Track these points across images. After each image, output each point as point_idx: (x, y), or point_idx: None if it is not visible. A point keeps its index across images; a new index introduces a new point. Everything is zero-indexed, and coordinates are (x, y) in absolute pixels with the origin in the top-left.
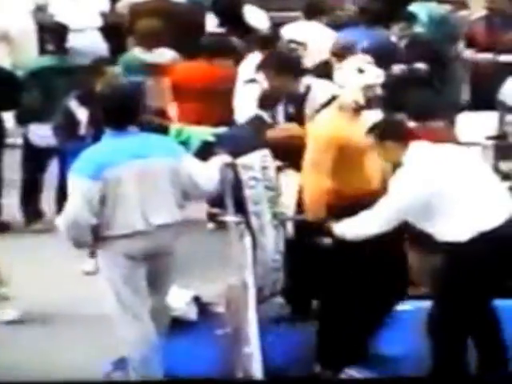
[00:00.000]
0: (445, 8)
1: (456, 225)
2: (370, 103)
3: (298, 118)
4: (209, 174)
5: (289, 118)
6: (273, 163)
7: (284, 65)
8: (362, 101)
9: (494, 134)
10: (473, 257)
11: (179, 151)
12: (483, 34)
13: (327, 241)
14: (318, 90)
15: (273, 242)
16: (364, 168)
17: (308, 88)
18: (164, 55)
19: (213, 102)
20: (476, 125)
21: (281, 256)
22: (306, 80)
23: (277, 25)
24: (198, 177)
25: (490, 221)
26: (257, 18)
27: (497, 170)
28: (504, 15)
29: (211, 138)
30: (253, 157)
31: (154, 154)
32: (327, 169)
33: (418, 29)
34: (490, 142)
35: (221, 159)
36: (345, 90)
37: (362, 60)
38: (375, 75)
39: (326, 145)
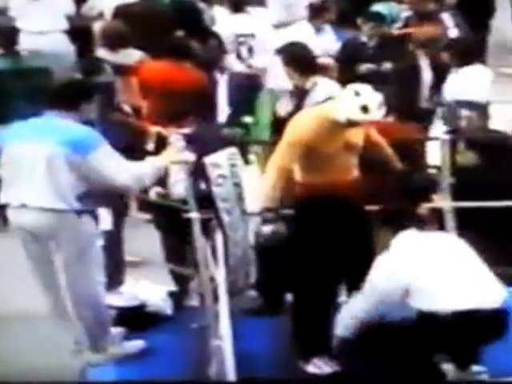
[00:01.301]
0: (402, 7)
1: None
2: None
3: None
4: (128, 168)
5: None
6: (240, 161)
7: (293, 58)
8: (351, 120)
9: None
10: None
11: (89, 142)
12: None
13: (267, 229)
14: (322, 88)
15: (243, 237)
16: (334, 164)
17: (314, 84)
18: (130, 56)
19: (178, 102)
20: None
21: (251, 250)
22: (314, 78)
23: None
24: (108, 169)
25: (468, 302)
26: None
27: (453, 163)
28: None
29: None
30: (221, 155)
31: (51, 140)
32: (291, 162)
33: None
34: (447, 136)
35: (181, 156)
36: (339, 107)
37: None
38: (371, 97)
39: (297, 141)
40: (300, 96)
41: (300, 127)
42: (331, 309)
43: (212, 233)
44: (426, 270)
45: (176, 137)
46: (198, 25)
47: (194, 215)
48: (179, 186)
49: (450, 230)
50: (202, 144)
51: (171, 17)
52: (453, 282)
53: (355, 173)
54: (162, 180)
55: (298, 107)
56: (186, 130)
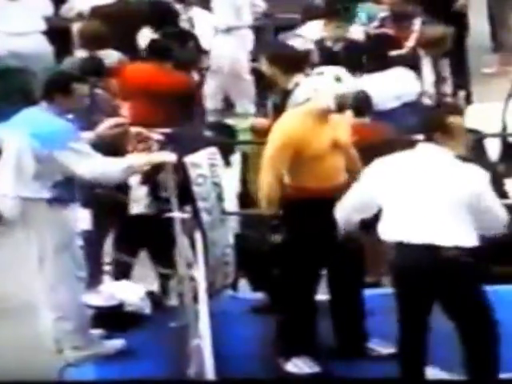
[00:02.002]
0: (381, 8)
1: (386, 226)
2: (341, 110)
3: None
4: (98, 164)
5: (275, 110)
6: (220, 161)
7: (277, 57)
8: (335, 107)
9: None
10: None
11: (58, 137)
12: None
13: (277, 238)
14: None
15: (223, 237)
16: (323, 167)
17: (296, 85)
18: (109, 57)
19: (158, 104)
20: None
21: (231, 250)
22: (297, 78)
23: None
24: (75, 165)
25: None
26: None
27: None
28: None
29: None
30: (201, 155)
31: (23, 131)
32: (283, 166)
33: (356, 28)
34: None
35: (161, 156)
36: (320, 95)
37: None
38: (352, 83)
39: (286, 144)
40: (283, 97)
41: (287, 128)
42: (314, 310)
43: (192, 232)
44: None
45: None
46: (175, 26)
47: (176, 215)
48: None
49: None
50: (183, 144)
51: (148, 18)
52: (405, 211)
53: (343, 176)
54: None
55: (281, 108)
56: (167, 130)
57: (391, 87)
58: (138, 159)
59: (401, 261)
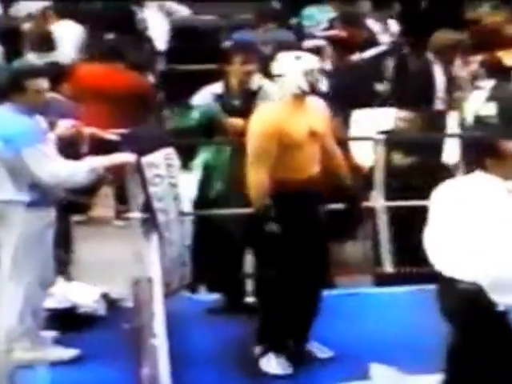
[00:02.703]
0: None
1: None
2: (312, 89)
3: (244, 112)
4: (60, 167)
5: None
6: (177, 161)
7: (248, 56)
8: (305, 86)
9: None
10: None
11: (22, 138)
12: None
13: (275, 227)
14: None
15: (179, 238)
16: (301, 157)
17: (259, 88)
18: (59, 58)
19: (111, 105)
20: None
21: (187, 251)
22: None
23: None
24: (37, 168)
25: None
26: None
27: (389, 162)
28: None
29: None
30: (157, 155)
31: None
32: (271, 158)
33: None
34: (382, 136)
35: (122, 157)
36: (286, 78)
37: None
38: (312, 60)
39: (270, 134)
40: (246, 98)
41: (268, 119)
42: (295, 309)
43: (148, 233)
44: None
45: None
46: (131, 28)
47: (137, 215)
48: None
49: (383, 230)
50: (139, 144)
51: (103, 19)
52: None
53: (317, 168)
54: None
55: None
56: (123, 131)
57: None
58: (100, 161)
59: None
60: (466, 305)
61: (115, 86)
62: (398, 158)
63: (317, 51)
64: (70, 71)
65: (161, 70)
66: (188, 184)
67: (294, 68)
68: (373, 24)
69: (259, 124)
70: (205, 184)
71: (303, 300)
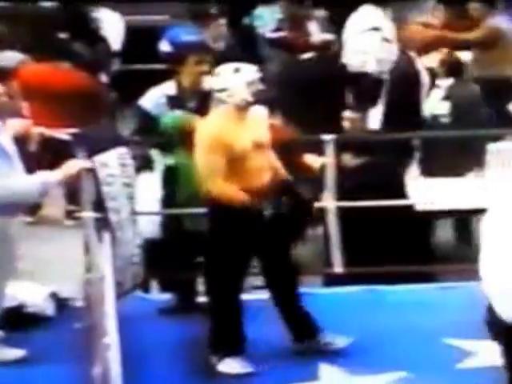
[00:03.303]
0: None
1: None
2: (256, 99)
3: (199, 113)
4: (6, 182)
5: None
6: (131, 160)
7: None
8: (249, 97)
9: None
10: None
11: None
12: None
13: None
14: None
15: (131, 237)
16: (247, 168)
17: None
18: (10, 59)
19: (58, 104)
20: None
21: (139, 250)
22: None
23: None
24: None
25: None
26: (111, 26)
27: (339, 163)
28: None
29: None
30: (110, 154)
31: None
32: (221, 166)
33: None
34: (330, 137)
35: (75, 165)
36: (229, 92)
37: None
38: (252, 70)
39: (214, 146)
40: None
41: (212, 130)
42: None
43: (100, 232)
44: None
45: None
46: (85, 27)
47: (89, 214)
48: None
49: (333, 230)
50: (91, 144)
51: (55, 18)
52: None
53: (267, 176)
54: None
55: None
56: (74, 130)
57: None
58: (53, 174)
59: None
60: None
61: (61, 85)
62: (348, 159)
63: None
64: (17, 71)
65: (115, 70)
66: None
67: (236, 81)
68: (320, 25)
69: (204, 137)
70: (170, 184)
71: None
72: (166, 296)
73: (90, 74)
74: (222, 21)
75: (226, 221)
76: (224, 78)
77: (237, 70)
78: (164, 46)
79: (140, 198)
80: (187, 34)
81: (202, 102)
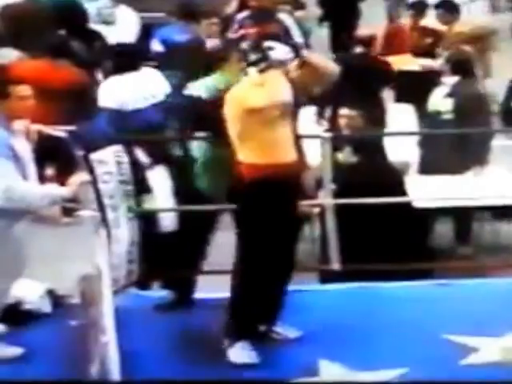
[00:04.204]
0: None
1: None
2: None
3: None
4: (15, 186)
5: None
6: (127, 158)
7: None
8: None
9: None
10: None
11: None
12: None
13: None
14: None
15: (127, 235)
16: (274, 139)
17: None
18: (6, 56)
19: (52, 101)
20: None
21: (135, 248)
22: None
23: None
24: None
25: None
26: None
27: (335, 160)
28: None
29: None
30: (107, 152)
31: None
32: (251, 137)
33: None
34: (328, 135)
35: (78, 179)
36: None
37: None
38: (284, 52)
39: (243, 111)
40: None
41: (236, 96)
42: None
43: (96, 230)
44: None
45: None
46: (81, 24)
47: (86, 212)
48: None
49: (330, 227)
50: (87, 141)
51: (51, 15)
52: None
53: (295, 154)
54: None
55: None
56: (70, 127)
57: (142, 88)
58: (61, 190)
59: None
60: None
61: (48, 81)
62: (344, 157)
63: None
64: (12, 67)
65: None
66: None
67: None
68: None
69: (232, 103)
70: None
71: (273, 288)
72: (161, 293)
73: (85, 72)
74: (214, 19)
75: (262, 196)
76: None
77: (269, 49)
78: (155, 46)
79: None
80: (178, 33)
81: None
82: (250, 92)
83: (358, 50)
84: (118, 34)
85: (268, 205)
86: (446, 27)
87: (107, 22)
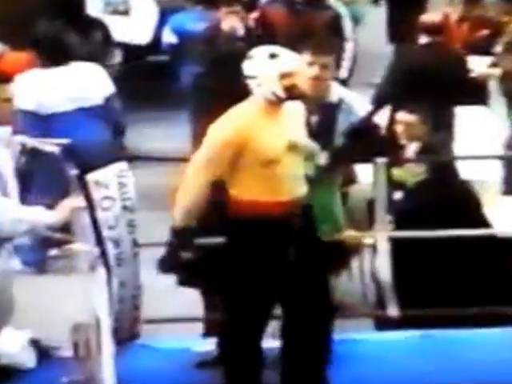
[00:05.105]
0: None
1: None
2: (292, 94)
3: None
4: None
5: None
6: (132, 179)
7: None
8: (281, 92)
9: None
10: None
11: None
12: None
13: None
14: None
15: (132, 275)
16: (279, 175)
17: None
18: None
19: None
20: None
21: (141, 291)
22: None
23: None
24: None
25: None
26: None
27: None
28: None
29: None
30: (107, 171)
31: None
32: (218, 170)
33: None
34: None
35: (69, 205)
36: (258, 81)
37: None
38: (292, 59)
39: (227, 141)
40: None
41: (230, 123)
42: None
43: (93, 268)
44: None
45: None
46: (78, 14)
47: (80, 246)
48: None
49: (385, 264)
50: (83, 157)
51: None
52: None
53: (304, 188)
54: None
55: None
56: (62, 141)
57: (68, 87)
58: (46, 215)
59: None
60: None
61: None
62: (403, 175)
63: None
64: None
65: (116, 64)
66: None
67: (268, 69)
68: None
69: (219, 128)
70: None
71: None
72: (176, 345)
73: None
74: (237, 7)
75: (246, 235)
76: (256, 64)
77: (273, 56)
78: (167, 36)
79: None
80: (194, 21)
81: (324, 114)
82: (256, 126)
83: (424, 39)
84: (132, 26)
85: (261, 246)
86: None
87: (120, 12)
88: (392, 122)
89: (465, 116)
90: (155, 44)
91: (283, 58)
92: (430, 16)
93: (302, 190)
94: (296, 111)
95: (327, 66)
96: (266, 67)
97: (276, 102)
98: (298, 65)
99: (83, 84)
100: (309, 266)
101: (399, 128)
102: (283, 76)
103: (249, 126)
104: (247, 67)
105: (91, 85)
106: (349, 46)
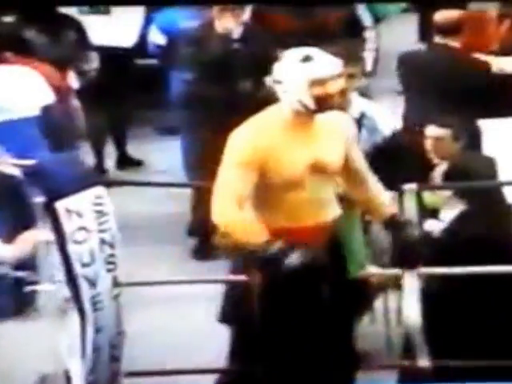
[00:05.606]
0: None
1: None
2: (323, 105)
3: None
4: None
5: None
6: (111, 207)
7: None
8: (309, 101)
9: None
10: None
11: None
12: None
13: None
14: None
15: (111, 320)
16: (301, 199)
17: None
18: None
19: None
20: None
21: (123, 339)
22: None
23: None
24: None
25: None
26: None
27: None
28: None
29: None
30: (81, 198)
31: None
32: (245, 189)
33: None
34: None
35: (31, 237)
36: (285, 87)
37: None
38: (328, 64)
39: (248, 160)
40: None
41: (248, 139)
42: None
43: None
44: None
45: None
46: (45, 8)
47: (47, 287)
48: None
49: (414, 308)
50: (52, 181)
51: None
52: None
53: (336, 211)
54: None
55: None
56: (27, 162)
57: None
58: (3, 250)
59: None
60: None
61: None
62: (436, 201)
63: None
64: None
65: (94, 69)
66: None
67: (298, 74)
68: None
69: (237, 146)
70: None
71: None
72: None
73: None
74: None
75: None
76: (284, 67)
77: (306, 59)
78: (154, 35)
79: None
80: (184, 19)
81: None
82: (279, 141)
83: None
84: (114, 27)
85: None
86: None
87: (99, 12)
88: (421, 138)
89: (493, 130)
90: (141, 47)
91: (317, 61)
92: (446, 14)
93: (330, 214)
94: (336, 124)
95: (354, 75)
96: (294, 71)
97: (304, 114)
98: (335, 71)
99: (12, 92)
100: (338, 307)
101: (429, 144)
102: (314, 83)
103: (271, 142)
104: (276, 70)
105: (23, 93)
106: (369, 35)
